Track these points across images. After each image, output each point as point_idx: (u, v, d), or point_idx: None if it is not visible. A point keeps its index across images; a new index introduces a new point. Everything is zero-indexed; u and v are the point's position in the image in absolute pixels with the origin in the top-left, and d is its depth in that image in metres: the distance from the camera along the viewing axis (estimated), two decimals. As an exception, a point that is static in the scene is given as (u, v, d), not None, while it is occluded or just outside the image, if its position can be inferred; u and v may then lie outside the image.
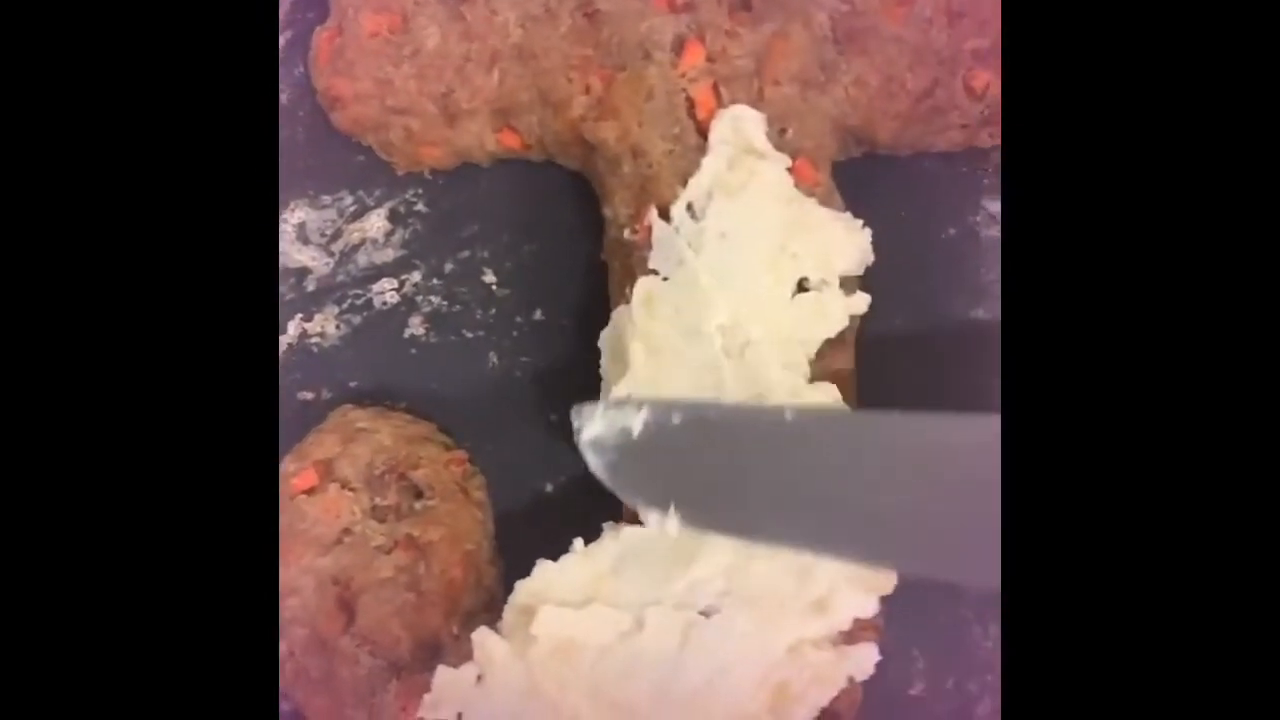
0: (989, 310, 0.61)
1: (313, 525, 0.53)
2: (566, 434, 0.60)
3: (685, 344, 0.52)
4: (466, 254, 0.63)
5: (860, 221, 0.55)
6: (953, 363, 0.60)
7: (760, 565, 0.50)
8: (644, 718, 0.49)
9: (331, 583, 0.53)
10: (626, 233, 0.56)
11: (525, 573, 0.52)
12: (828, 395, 0.53)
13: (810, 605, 0.50)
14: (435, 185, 0.63)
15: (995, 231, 0.62)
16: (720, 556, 0.50)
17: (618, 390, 0.52)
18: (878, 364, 0.58)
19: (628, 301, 0.54)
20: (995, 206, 0.62)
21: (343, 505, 0.54)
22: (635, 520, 0.52)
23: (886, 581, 0.50)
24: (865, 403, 0.56)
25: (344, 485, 0.54)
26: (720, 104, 0.55)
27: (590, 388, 0.58)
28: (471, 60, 0.58)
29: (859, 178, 0.59)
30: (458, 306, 0.62)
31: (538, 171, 0.62)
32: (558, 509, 0.59)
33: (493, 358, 0.62)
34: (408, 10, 0.58)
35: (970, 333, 0.61)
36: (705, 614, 0.50)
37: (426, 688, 0.50)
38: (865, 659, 0.51)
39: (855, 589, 0.50)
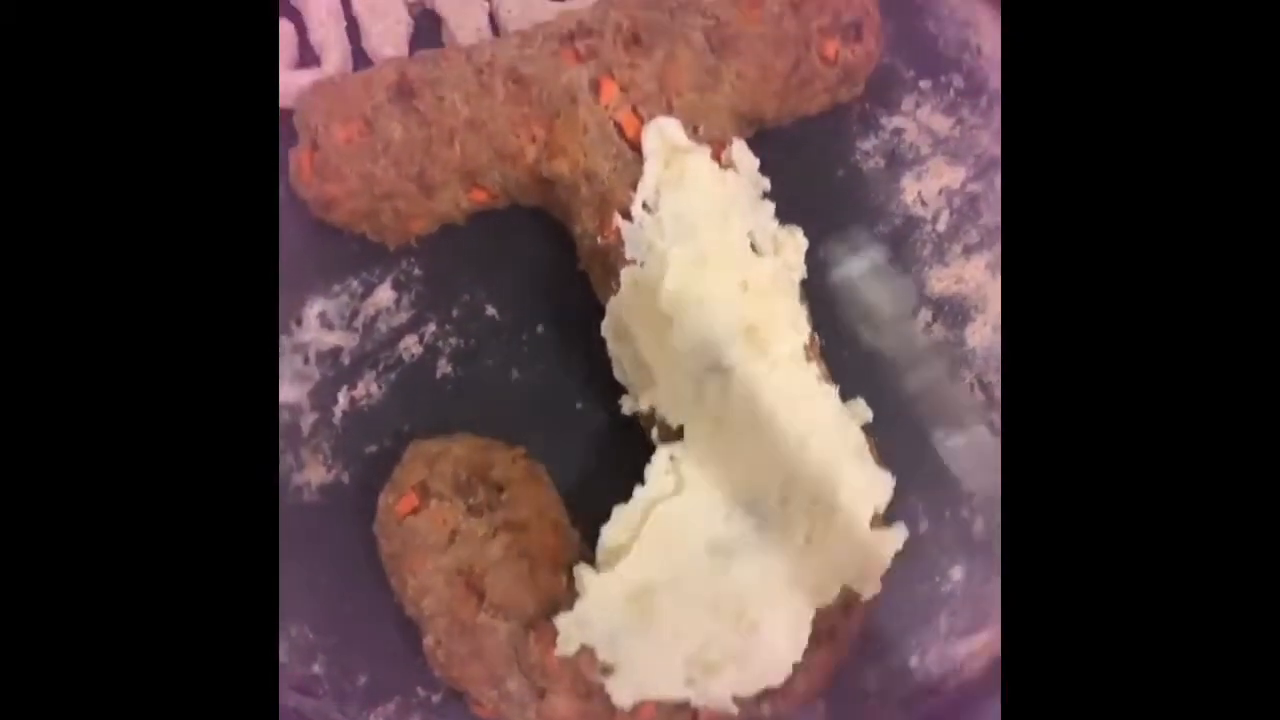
0: (886, 224, 0.77)
1: (426, 536, 0.65)
2: (592, 418, 0.74)
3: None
4: (467, 297, 0.75)
5: (766, 179, 0.69)
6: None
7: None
8: (724, 599, 0.62)
9: (456, 574, 0.64)
10: (599, 240, 0.69)
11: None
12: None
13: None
14: (424, 251, 0.76)
15: (874, 164, 0.77)
16: None
17: (644, 353, 0.65)
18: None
19: (616, 293, 0.68)
20: (868, 144, 0.78)
21: (445, 513, 0.65)
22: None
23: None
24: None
25: (440, 498, 0.66)
26: (642, 121, 0.69)
27: (601, 369, 0.71)
28: (434, 140, 0.70)
29: (767, 146, 0.73)
30: (473, 341, 0.75)
31: (506, 215, 0.75)
32: (606, 475, 0.71)
33: (514, 373, 0.74)
34: (368, 115, 0.70)
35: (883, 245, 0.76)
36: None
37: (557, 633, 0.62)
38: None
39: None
